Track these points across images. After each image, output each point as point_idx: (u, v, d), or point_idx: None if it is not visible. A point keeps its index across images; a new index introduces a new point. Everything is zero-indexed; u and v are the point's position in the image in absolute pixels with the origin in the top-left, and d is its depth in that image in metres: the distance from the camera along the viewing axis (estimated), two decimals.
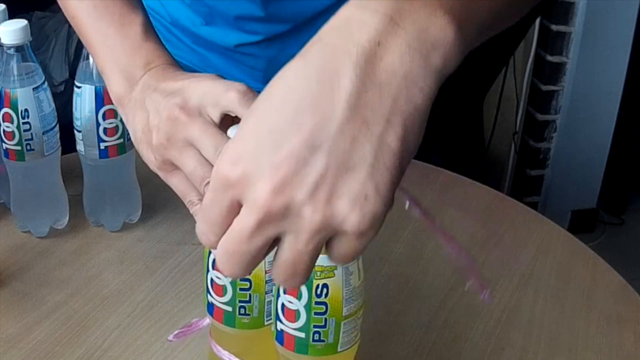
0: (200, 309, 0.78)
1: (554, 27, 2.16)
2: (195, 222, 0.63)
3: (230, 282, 0.60)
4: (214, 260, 0.61)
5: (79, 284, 0.83)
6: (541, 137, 2.30)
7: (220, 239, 0.43)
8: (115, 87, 0.68)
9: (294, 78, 0.40)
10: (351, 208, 0.40)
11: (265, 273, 0.60)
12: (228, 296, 0.61)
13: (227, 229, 0.42)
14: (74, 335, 0.76)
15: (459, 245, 0.49)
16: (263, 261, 0.59)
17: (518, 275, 0.87)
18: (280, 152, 0.39)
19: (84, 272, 0.85)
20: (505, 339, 0.78)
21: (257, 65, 1.01)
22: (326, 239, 0.41)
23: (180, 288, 0.82)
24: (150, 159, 0.64)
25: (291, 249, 0.41)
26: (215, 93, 0.59)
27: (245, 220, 0.41)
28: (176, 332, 0.67)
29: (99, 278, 0.84)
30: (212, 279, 0.62)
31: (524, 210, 0.99)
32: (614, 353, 0.77)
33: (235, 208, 0.41)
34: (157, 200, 0.95)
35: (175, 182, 0.63)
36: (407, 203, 0.49)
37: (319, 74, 0.40)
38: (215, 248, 0.43)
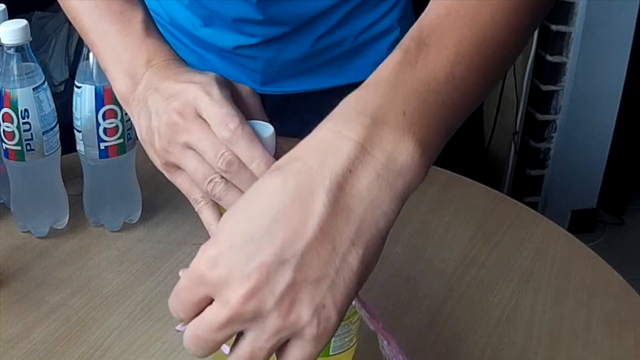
0: None
1: (554, 27, 2.16)
2: (198, 219, 0.62)
3: None
4: None
5: (79, 284, 0.83)
6: (541, 137, 2.30)
7: (189, 318, 0.47)
8: (119, 86, 0.68)
9: (272, 193, 0.45)
10: (311, 315, 0.44)
11: None
12: None
13: (197, 313, 0.47)
14: (74, 335, 0.76)
15: (399, 349, 0.52)
16: None
17: (518, 275, 0.87)
18: (253, 262, 0.44)
19: (84, 272, 0.85)
20: (505, 339, 0.78)
21: (255, 67, 1.01)
22: (284, 340, 0.46)
23: None
24: (155, 160, 0.64)
25: (252, 344, 0.46)
26: (209, 115, 0.59)
27: (216, 315, 0.45)
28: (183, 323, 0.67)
29: (99, 278, 0.84)
30: None
31: (524, 210, 0.99)
32: (614, 353, 0.77)
33: (208, 300, 0.46)
34: (157, 200, 0.95)
35: (179, 182, 0.64)
36: (356, 304, 0.53)
37: (295, 193, 0.44)
38: (184, 324, 0.48)
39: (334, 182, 0.44)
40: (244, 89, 0.65)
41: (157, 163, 0.65)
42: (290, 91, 1.04)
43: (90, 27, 0.71)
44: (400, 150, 0.45)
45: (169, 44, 0.70)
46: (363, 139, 0.45)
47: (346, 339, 0.59)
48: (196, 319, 0.47)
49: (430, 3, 0.53)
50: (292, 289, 0.44)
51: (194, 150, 0.60)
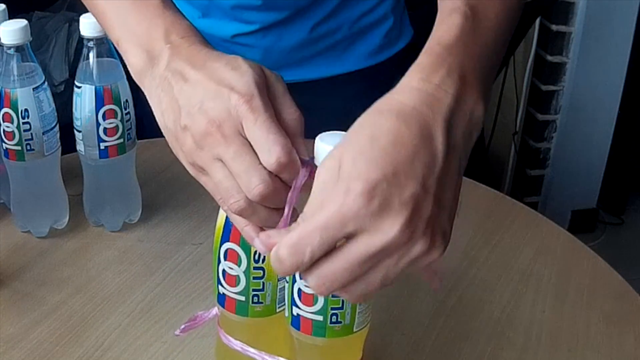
0: (201, 308, 0.78)
1: (554, 27, 2.16)
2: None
3: (244, 272, 0.61)
4: (225, 251, 0.61)
5: (79, 284, 0.83)
6: (541, 137, 2.30)
7: (314, 260, 0.49)
8: (132, 59, 0.64)
9: (401, 136, 0.50)
10: (442, 238, 0.51)
11: None
12: (241, 286, 0.61)
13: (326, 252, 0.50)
14: (74, 335, 0.76)
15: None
16: None
17: (518, 275, 0.87)
18: (405, 193, 0.49)
19: (84, 272, 0.85)
20: (505, 339, 0.78)
21: (253, 56, 1.02)
22: None
23: (180, 288, 0.82)
24: (178, 154, 0.61)
25: (387, 268, 0.50)
26: (254, 138, 0.56)
27: (368, 246, 0.48)
28: (182, 326, 0.67)
29: (99, 278, 0.84)
30: (224, 270, 0.62)
31: (524, 210, 0.99)
32: (614, 353, 0.77)
33: (343, 238, 0.49)
34: (157, 200, 0.95)
35: (204, 181, 0.60)
36: None
37: (421, 136, 0.50)
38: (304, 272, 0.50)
39: (445, 127, 0.51)
40: (270, 76, 0.60)
41: (181, 158, 0.61)
42: (288, 80, 1.04)
43: (104, 4, 0.68)
44: (477, 109, 0.54)
45: (187, 19, 0.65)
46: (458, 95, 0.53)
47: (366, 314, 0.60)
48: (340, 254, 0.49)
49: None
50: (434, 215, 0.50)
51: (225, 164, 0.57)
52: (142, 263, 0.86)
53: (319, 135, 0.56)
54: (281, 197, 0.56)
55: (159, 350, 0.74)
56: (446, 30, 0.56)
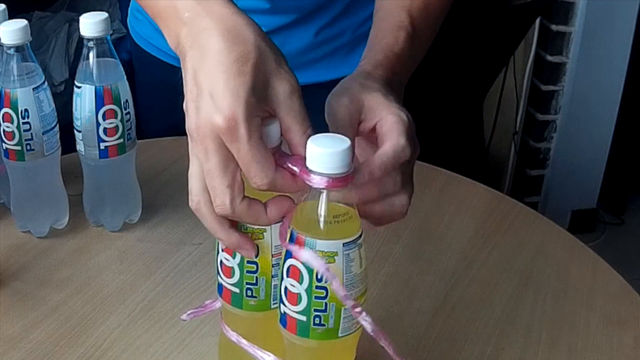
0: None
1: (554, 27, 2.16)
2: (198, 219, 0.62)
3: (238, 265, 0.62)
4: None
5: (79, 284, 0.83)
6: (541, 137, 2.30)
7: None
8: (169, 34, 0.63)
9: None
10: None
11: (272, 257, 0.61)
12: (236, 278, 0.62)
13: None
14: (74, 335, 0.76)
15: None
16: (270, 245, 0.60)
17: (518, 275, 0.87)
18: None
19: (84, 272, 0.85)
20: (505, 339, 0.78)
21: None
22: None
23: (180, 288, 0.82)
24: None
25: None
26: (240, 162, 0.57)
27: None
28: (189, 312, 0.68)
29: (99, 278, 0.84)
30: (221, 261, 0.63)
31: (524, 210, 0.99)
32: (614, 353, 0.77)
33: None
34: (157, 200, 0.95)
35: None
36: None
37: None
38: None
39: None
40: (284, 90, 0.59)
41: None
42: None
43: None
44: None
45: None
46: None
47: (353, 321, 0.60)
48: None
49: None
50: None
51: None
52: (142, 263, 0.86)
53: (311, 137, 0.56)
54: (237, 222, 0.59)
55: (159, 350, 0.74)
56: (394, 42, 0.72)
